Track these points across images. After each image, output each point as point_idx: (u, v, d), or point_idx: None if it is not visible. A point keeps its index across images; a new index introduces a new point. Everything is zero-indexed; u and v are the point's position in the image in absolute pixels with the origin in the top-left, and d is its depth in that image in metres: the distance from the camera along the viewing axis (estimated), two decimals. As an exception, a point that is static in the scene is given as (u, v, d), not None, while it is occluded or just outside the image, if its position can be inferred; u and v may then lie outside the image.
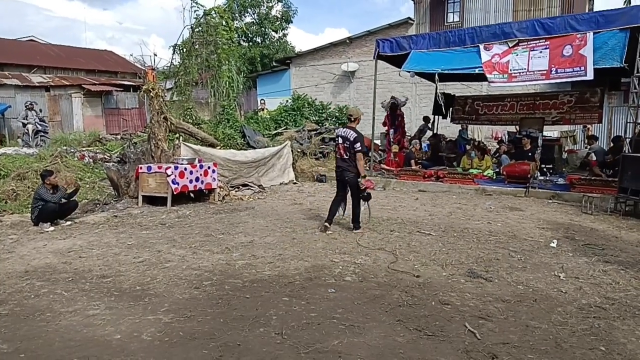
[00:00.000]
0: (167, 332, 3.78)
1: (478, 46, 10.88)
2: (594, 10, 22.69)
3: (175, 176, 8.92)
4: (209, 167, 9.50)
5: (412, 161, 12.94)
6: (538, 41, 10.22)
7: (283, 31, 31.23)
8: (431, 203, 9.69)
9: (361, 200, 7.09)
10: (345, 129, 7.06)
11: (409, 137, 14.90)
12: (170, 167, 8.94)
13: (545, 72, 9.98)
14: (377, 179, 11.90)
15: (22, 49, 25.72)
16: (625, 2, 27.35)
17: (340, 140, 7.01)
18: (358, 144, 6.81)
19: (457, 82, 15.62)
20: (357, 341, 3.61)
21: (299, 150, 13.99)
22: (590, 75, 9.40)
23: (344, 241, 6.59)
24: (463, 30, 11.52)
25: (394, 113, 13.91)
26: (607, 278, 5.07)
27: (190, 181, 9.17)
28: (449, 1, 23.15)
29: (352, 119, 7.07)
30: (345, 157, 6.96)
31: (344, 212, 7.44)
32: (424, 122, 15.57)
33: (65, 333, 3.79)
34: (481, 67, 10.71)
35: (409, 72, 12.07)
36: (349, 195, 7.22)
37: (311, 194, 11.03)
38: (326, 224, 7.15)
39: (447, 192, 11.04)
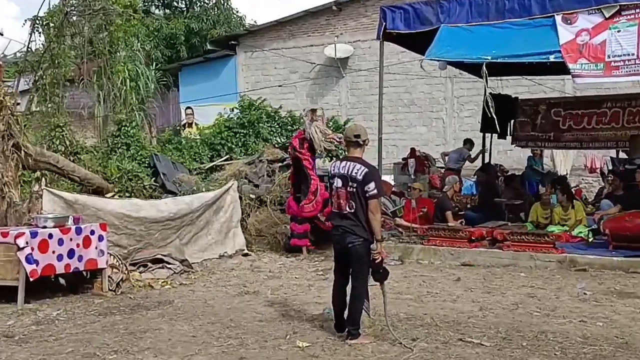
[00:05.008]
0: None
1: (553, 16, 8.43)
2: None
3: (33, 249, 6.61)
4: (92, 232, 7.18)
5: (449, 212, 9.59)
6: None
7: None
8: (483, 287, 7.40)
9: (371, 281, 5.14)
10: (346, 163, 5.11)
11: (444, 169, 11.85)
12: (23, 233, 6.63)
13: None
14: (390, 245, 8.88)
15: None
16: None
17: (339, 183, 5.01)
18: (372, 184, 4.86)
19: (521, 76, 12.55)
20: None
21: (253, 195, 10.45)
22: None
23: (329, 362, 4.71)
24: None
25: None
26: None
27: (59, 257, 6.83)
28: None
29: (361, 142, 5.06)
30: (348, 210, 5.00)
31: (368, 311, 5.24)
32: (465, 147, 12.44)
33: None
34: (559, 51, 8.29)
35: (437, 60, 9.39)
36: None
37: (275, 273, 8.20)
38: (338, 333, 5.22)
39: (511, 267, 8.41)
